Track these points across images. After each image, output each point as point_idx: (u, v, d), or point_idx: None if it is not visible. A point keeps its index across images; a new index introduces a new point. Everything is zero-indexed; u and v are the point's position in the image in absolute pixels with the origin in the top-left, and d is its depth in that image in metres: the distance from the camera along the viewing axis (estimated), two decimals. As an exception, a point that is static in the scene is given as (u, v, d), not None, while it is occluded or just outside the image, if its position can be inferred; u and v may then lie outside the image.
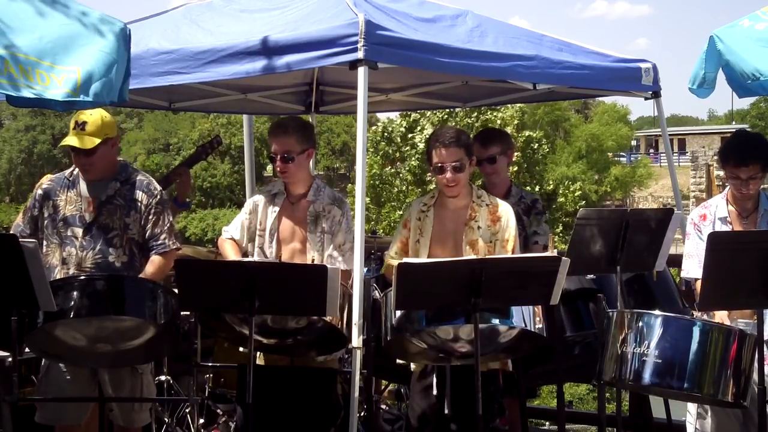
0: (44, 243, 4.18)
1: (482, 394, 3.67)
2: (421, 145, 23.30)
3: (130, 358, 4.14)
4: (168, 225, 4.28)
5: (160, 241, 4.23)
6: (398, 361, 4.35)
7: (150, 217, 4.22)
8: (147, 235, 4.22)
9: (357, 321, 3.97)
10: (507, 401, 4.51)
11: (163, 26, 5.04)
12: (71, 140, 4.13)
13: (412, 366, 4.33)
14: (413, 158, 23.88)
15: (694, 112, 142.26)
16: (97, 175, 4.22)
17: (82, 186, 4.23)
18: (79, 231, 4.14)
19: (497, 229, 4.22)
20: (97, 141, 4.13)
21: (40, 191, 4.28)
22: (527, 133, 26.62)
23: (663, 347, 3.63)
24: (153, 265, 4.19)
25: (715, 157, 36.50)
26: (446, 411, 4.08)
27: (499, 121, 23.84)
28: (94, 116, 4.14)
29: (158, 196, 4.28)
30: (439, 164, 4.17)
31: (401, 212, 22.21)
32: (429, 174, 23.19)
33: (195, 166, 5.80)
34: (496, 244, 4.20)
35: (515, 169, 24.34)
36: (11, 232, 4.24)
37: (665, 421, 4.94)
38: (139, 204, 4.21)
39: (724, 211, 4.20)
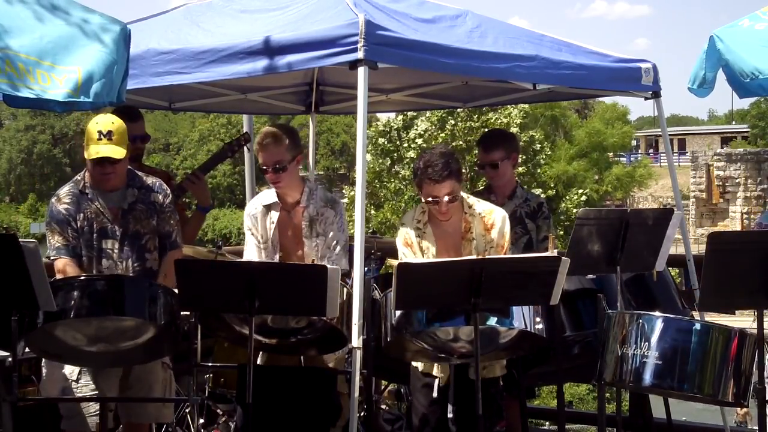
0: None
1: (483, 395, 3.67)
2: (419, 141, 23.32)
3: (130, 358, 4.15)
4: (177, 222, 4.37)
5: (172, 239, 4.31)
6: (411, 361, 4.31)
7: (163, 215, 4.27)
8: (161, 233, 4.28)
9: (357, 321, 3.97)
10: (507, 401, 4.51)
11: (163, 26, 5.04)
12: (106, 151, 4.01)
13: (413, 364, 4.32)
14: (410, 151, 23.85)
15: (694, 112, 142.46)
16: (117, 183, 4.18)
17: (100, 198, 4.18)
18: (115, 243, 4.15)
19: (491, 237, 4.20)
20: (125, 151, 4.07)
21: (63, 211, 4.13)
22: (530, 133, 26.58)
23: (663, 348, 3.64)
24: (171, 264, 4.09)
25: (716, 157, 36.53)
26: (449, 414, 4.07)
27: (504, 119, 23.80)
28: (116, 124, 4.05)
29: (170, 196, 4.36)
30: (433, 198, 4.07)
31: (399, 211, 22.21)
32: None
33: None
34: (491, 251, 4.17)
35: (518, 170, 24.34)
36: (51, 254, 4.14)
37: (665, 421, 4.94)
38: (157, 205, 4.26)
39: None
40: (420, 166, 4.09)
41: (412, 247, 4.24)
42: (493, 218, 4.22)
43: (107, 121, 4.07)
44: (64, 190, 4.23)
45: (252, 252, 4.46)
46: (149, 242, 4.22)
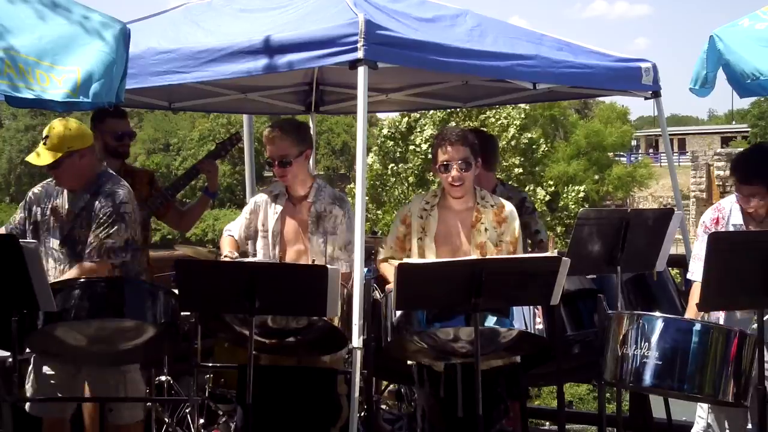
0: None
1: (488, 394, 3.67)
2: (424, 146, 23.27)
3: (130, 358, 4.14)
4: (103, 237, 4.05)
5: (88, 249, 4.07)
6: (409, 362, 4.31)
7: (93, 225, 4.09)
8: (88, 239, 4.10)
9: (357, 321, 3.97)
10: (508, 402, 4.51)
11: (162, 26, 5.04)
12: (32, 156, 4.12)
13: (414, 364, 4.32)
14: (416, 157, 23.82)
15: (694, 112, 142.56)
16: (68, 185, 4.18)
17: (65, 196, 4.21)
18: (57, 243, 4.13)
19: (503, 230, 4.20)
20: (58, 155, 4.05)
21: (30, 195, 4.28)
22: (530, 135, 26.54)
23: (663, 348, 3.63)
24: (71, 272, 4.02)
25: (716, 157, 36.53)
26: (459, 413, 4.06)
27: (504, 120, 23.78)
28: (56, 129, 4.08)
29: (110, 206, 4.09)
30: (446, 162, 4.12)
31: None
32: (431, 175, 23.22)
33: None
34: (503, 245, 4.18)
35: (518, 170, 24.32)
36: (6, 225, 4.31)
37: (665, 421, 4.94)
38: (93, 213, 4.11)
39: (738, 218, 4.15)
40: (438, 135, 4.26)
41: (408, 227, 4.27)
42: (505, 212, 4.23)
43: (49, 126, 4.13)
44: (42, 182, 4.33)
45: (237, 226, 4.51)
46: (84, 251, 4.10)
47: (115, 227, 4.09)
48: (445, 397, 4.14)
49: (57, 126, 4.10)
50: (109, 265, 4.09)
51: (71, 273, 4.05)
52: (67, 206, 4.18)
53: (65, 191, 4.21)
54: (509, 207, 4.27)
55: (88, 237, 4.09)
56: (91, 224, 4.10)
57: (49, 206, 4.21)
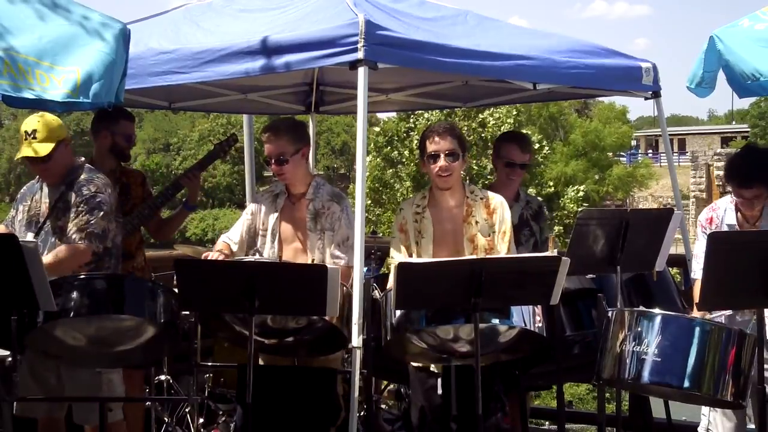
0: None
1: (486, 392, 3.67)
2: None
3: (130, 358, 4.14)
4: (83, 223, 4.12)
5: (68, 235, 4.12)
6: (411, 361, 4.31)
7: (71, 215, 4.14)
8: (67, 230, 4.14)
9: (357, 321, 3.97)
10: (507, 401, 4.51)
11: (162, 26, 5.04)
12: (27, 151, 4.16)
13: (411, 364, 4.32)
14: (412, 163, 23.86)
15: (694, 112, 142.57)
16: (56, 179, 4.24)
17: (45, 190, 4.28)
18: (32, 236, 4.15)
19: (494, 221, 4.24)
20: (51, 146, 4.13)
21: (19, 194, 4.40)
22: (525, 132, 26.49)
23: (663, 346, 3.63)
24: (52, 254, 4.06)
25: (716, 157, 36.54)
26: (454, 411, 4.07)
27: (494, 121, 23.78)
28: (41, 122, 4.13)
29: (86, 195, 4.16)
30: (434, 152, 4.17)
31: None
32: (426, 178, 23.21)
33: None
34: (494, 236, 4.21)
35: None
36: (5, 221, 4.41)
37: (665, 421, 4.94)
38: (70, 204, 4.16)
39: (732, 218, 4.15)
40: (426, 129, 4.32)
41: (406, 234, 4.30)
42: (494, 203, 4.27)
43: (33, 120, 4.18)
44: (31, 181, 4.41)
45: (235, 232, 4.50)
46: (57, 242, 4.15)
47: (95, 213, 4.15)
48: (441, 396, 4.14)
49: (43, 119, 4.15)
50: (91, 248, 4.11)
51: (53, 254, 4.06)
52: (46, 200, 4.25)
53: (44, 187, 4.27)
54: (497, 198, 4.31)
55: (63, 227, 4.13)
56: (67, 215, 4.14)
57: (29, 203, 4.29)
